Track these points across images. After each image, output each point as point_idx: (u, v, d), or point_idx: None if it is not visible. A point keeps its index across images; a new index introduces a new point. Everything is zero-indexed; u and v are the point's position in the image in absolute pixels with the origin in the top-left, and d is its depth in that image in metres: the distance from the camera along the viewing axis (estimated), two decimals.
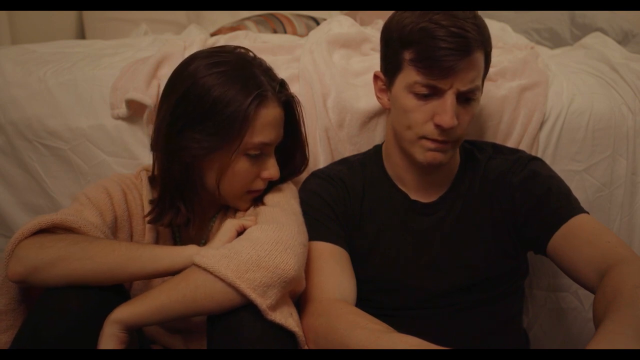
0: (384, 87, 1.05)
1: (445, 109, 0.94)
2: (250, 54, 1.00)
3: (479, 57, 0.95)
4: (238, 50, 1.00)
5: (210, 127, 0.93)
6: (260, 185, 1.01)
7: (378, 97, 1.08)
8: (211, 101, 0.92)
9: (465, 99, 0.96)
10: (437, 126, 0.95)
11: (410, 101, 0.97)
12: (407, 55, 0.95)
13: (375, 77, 1.07)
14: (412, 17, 0.95)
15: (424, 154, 0.99)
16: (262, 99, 0.94)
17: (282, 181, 1.06)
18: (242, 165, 0.97)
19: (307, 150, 1.08)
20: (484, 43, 0.95)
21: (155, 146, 0.99)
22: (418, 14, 0.94)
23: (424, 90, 0.95)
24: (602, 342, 0.70)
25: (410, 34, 0.94)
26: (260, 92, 0.93)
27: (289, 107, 1.01)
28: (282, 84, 0.99)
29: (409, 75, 0.96)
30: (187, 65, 0.96)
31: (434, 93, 0.95)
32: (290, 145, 1.05)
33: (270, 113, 0.96)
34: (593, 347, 0.69)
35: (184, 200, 0.98)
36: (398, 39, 0.96)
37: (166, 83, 0.98)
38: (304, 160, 1.08)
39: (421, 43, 0.92)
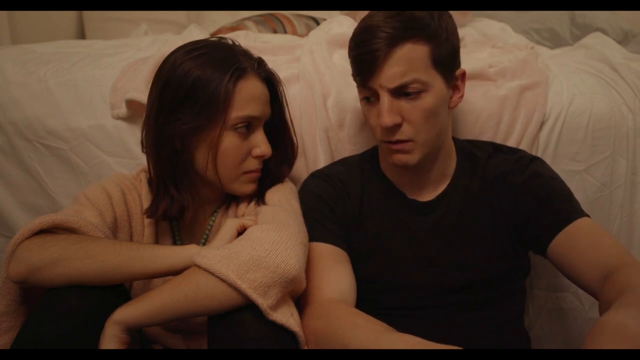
0: None
1: (381, 110, 0.95)
2: (229, 40, 1.02)
3: (409, 49, 0.93)
4: (215, 38, 1.03)
5: (194, 107, 0.94)
6: (254, 164, 1.01)
7: None
8: (191, 82, 0.94)
9: (406, 94, 0.95)
10: (381, 127, 0.96)
11: (363, 107, 1.02)
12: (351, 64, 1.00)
13: None
14: (357, 26, 0.99)
15: (390, 157, 1.01)
16: (241, 72, 0.96)
17: (280, 179, 1.07)
18: (230, 142, 0.97)
19: (293, 133, 1.09)
20: (417, 33, 0.93)
21: (146, 138, 1.00)
22: (361, 21, 0.98)
23: (364, 94, 0.99)
24: (616, 313, 0.69)
25: (350, 44, 0.99)
26: (238, 66, 0.95)
27: (272, 85, 1.03)
28: (260, 61, 1.01)
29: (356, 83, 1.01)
30: (167, 58, 0.98)
31: (373, 95, 0.97)
32: (276, 125, 1.06)
33: (251, 86, 0.97)
34: (607, 317, 0.69)
35: (177, 187, 0.99)
36: (348, 53, 1.01)
37: (153, 78, 0.99)
38: (293, 144, 1.09)
39: (352, 51, 0.98)
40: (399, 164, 1.00)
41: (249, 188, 1.03)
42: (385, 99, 0.95)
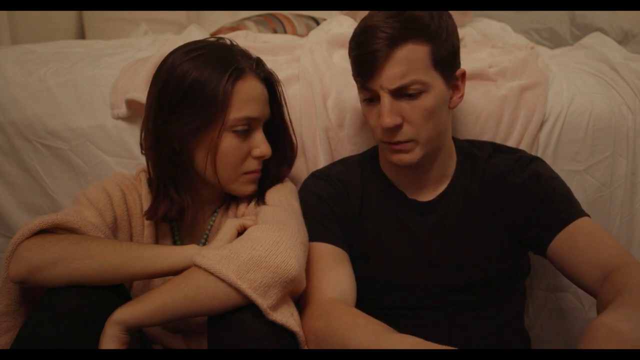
0: None
1: (381, 110, 0.95)
2: (227, 40, 1.02)
3: (409, 49, 0.93)
4: (214, 39, 1.02)
5: (193, 108, 0.94)
6: (254, 165, 1.01)
7: None
8: (189, 83, 0.93)
9: (407, 94, 0.95)
10: (382, 128, 0.96)
11: (363, 108, 1.02)
12: (352, 65, 0.99)
13: None
14: (356, 27, 0.99)
15: (390, 156, 1.01)
16: (239, 73, 0.95)
17: (280, 179, 1.07)
18: (229, 143, 0.97)
19: (293, 133, 1.09)
20: (416, 34, 0.93)
21: (145, 139, 0.99)
22: (360, 21, 0.98)
23: (365, 95, 0.99)
24: (610, 316, 0.69)
25: (350, 45, 0.99)
26: (236, 67, 0.95)
27: (271, 85, 1.02)
28: (259, 61, 1.01)
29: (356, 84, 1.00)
30: (167, 59, 0.98)
31: (374, 96, 0.97)
32: (275, 125, 1.06)
33: (249, 87, 0.97)
34: (601, 319, 0.69)
35: (176, 188, 0.98)
36: (349, 54, 1.01)
37: (152, 79, 0.99)
38: (292, 144, 1.09)
39: (352, 52, 0.98)
40: (400, 164, 1.00)
41: (249, 189, 1.03)
42: (385, 99, 0.95)
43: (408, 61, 0.93)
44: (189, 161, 0.98)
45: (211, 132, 0.95)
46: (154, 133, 0.96)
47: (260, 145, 1.00)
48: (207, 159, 0.97)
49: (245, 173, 1.01)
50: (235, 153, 0.98)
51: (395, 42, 0.92)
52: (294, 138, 1.10)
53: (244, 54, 1.00)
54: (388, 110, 0.95)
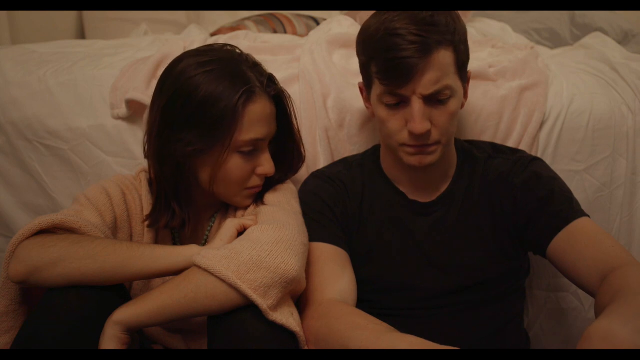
0: (367, 97, 1.05)
1: (413, 116, 0.94)
2: (238, 50, 1.00)
3: (442, 55, 0.92)
4: (226, 47, 1.00)
5: (201, 126, 0.93)
6: (256, 182, 1.01)
7: (366, 107, 1.08)
8: (199, 100, 0.92)
9: (437, 100, 0.95)
10: (411, 133, 0.95)
11: (383, 112, 0.98)
12: (373, 69, 0.96)
13: (360, 88, 1.07)
14: (372, 27, 0.95)
15: (409, 158, 1.00)
16: (250, 94, 0.94)
17: (281, 180, 1.06)
18: (235, 163, 0.96)
19: (302, 146, 1.08)
20: (446, 39, 0.92)
21: (148, 150, 0.99)
22: (378, 22, 0.94)
23: (391, 100, 0.96)
24: (605, 321, 0.69)
25: (372, 48, 0.95)
26: (248, 88, 0.93)
27: (280, 101, 1.01)
28: (271, 78, 0.99)
29: (377, 87, 0.97)
30: (175, 65, 0.96)
31: (402, 101, 0.95)
32: (284, 140, 1.05)
33: (260, 108, 0.95)
34: (597, 325, 0.69)
35: (179, 202, 0.98)
36: (364, 52, 0.98)
37: (157, 84, 0.98)
38: (300, 156, 1.08)
39: (379, 56, 0.93)
40: (419, 166, 0.99)
41: (248, 202, 1.03)
42: (418, 105, 0.93)
43: (441, 67, 0.92)
44: (193, 176, 0.98)
45: (217, 152, 0.95)
46: (158, 147, 0.95)
47: (265, 163, 0.99)
48: (211, 177, 0.97)
49: (247, 188, 1.01)
50: (239, 172, 0.98)
51: (429, 48, 0.91)
52: (303, 150, 1.08)
53: (255, 68, 0.98)
54: (421, 116, 0.93)
